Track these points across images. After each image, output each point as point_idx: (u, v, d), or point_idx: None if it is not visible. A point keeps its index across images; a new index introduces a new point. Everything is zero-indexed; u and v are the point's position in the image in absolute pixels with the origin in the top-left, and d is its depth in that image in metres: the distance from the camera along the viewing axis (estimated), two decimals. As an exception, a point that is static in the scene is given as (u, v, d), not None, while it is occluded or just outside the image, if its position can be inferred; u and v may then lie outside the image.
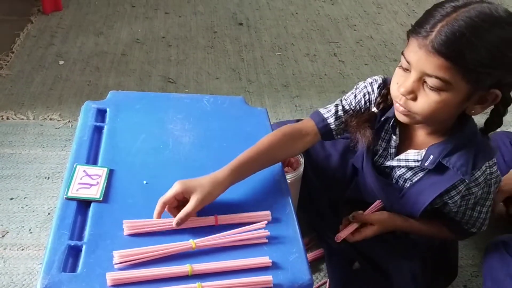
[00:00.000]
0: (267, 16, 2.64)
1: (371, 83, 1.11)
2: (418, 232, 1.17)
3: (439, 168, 1.03)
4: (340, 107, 1.13)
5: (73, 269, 0.83)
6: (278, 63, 2.25)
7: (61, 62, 2.11)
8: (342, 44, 2.43)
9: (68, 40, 2.27)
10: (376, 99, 1.09)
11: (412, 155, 1.06)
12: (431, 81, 0.89)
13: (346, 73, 2.21)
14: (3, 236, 1.35)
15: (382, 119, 1.08)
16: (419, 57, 0.89)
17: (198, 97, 1.28)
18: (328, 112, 1.14)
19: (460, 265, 1.38)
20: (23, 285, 1.24)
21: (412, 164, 1.06)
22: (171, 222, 0.90)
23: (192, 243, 0.87)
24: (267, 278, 0.84)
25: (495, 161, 1.06)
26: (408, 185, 1.10)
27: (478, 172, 1.02)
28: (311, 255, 1.34)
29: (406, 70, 0.93)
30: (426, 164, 1.03)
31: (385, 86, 1.09)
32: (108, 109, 1.18)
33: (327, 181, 1.33)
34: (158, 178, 1.02)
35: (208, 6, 2.68)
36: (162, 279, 0.82)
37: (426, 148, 1.04)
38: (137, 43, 2.30)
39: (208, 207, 0.95)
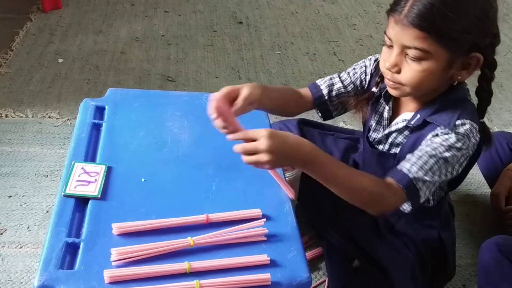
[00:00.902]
0: (267, 15, 2.64)
1: (370, 58, 1.20)
2: (343, 174, 0.99)
3: (424, 126, 1.06)
4: (336, 79, 1.21)
5: (71, 266, 0.83)
6: (277, 62, 2.24)
7: (60, 60, 2.11)
8: (342, 43, 2.43)
9: (67, 38, 2.27)
10: (372, 74, 1.17)
11: (401, 117, 1.11)
12: (411, 52, 0.97)
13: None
14: (1, 234, 1.34)
15: (375, 94, 1.14)
16: (396, 32, 0.97)
17: (197, 94, 1.28)
18: (324, 83, 1.22)
19: (459, 264, 1.38)
20: (21, 283, 1.23)
21: (401, 125, 1.10)
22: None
23: (190, 240, 0.87)
24: (266, 276, 0.83)
25: (478, 128, 1.04)
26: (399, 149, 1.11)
27: (460, 124, 1.01)
28: (310, 254, 1.34)
29: (390, 46, 1.01)
30: (412, 123, 1.07)
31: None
32: (106, 107, 1.18)
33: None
34: (157, 175, 1.01)
35: (207, 5, 2.68)
36: (160, 277, 0.82)
37: (415, 112, 1.08)
38: (136, 42, 2.30)
39: (206, 203, 0.95)
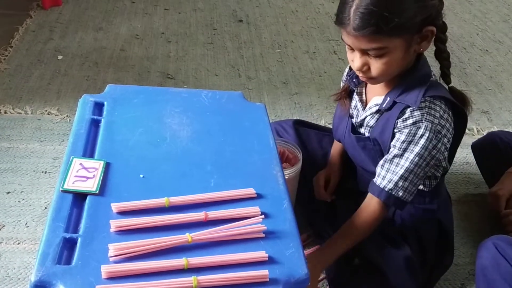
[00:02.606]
0: (267, 13, 2.64)
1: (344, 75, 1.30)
2: (349, 234, 1.15)
3: (392, 106, 1.13)
4: None
5: (68, 261, 0.82)
6: (277, 60, 2.24)
7: (60, 57, 2.10)
8: (341, 42, 2.40)
9: (67, 35, 2.27)
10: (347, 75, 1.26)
11: (374, 102, 1.18)
12: (371, 53, 1.04)
13: (342, 79, 2.20)
14: (-1, 230, 1.34)
15: (347, 81, 1.23)
16: (352, 41, 1.05)
17: (196, 91, 1.27)
18: None
19: (458, 263, 1.38)
20: (19, 279, 1.23)
21: (374, 109, 1.16)
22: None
23: (188, 236, 0.87)
24: (263, 272, 0.83)
25: (442, 105, 1.10)
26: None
27: (422, 103, 1.08)
28: (308, 252, 1.34)
29: (351, 49, 1.08)
30: (383, 106, 1.13)
31: None
32: (105, 103, 1.18)
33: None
34: (155, 172, 1.01)
35: (208, 3, 2.68)
36: (158, 273, 0.81)
37: (385, 94, 1.14)
38: (136, 39, 2.29)
39: (202, 201, 0.95)
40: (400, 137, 1.09)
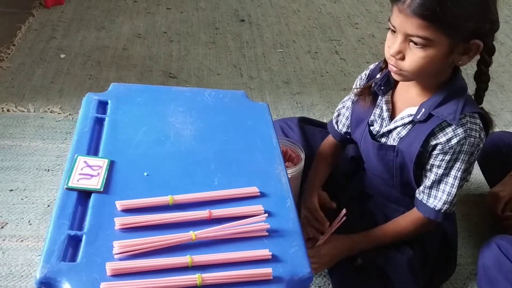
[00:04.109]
0: (269, 13, 2.64)
1: (360, 77, 1.28)
2: (384, 235, 1.19)
3: (428, 119, 1.10)
4: (343, 110, 1.31)
5: (73, 258, 0.83)
6: (279, 60, 2.25)
7: (62, 56, 2.11)
8: (343, 42, 2.43)
9: (69, 34, 2.27)
10: (368, 75, 1.24)
11: (406, 112, 1.14)
12: (415, 40, 1.00)
13: (348, 71, 2.21)
14: (2, 227, 1.35)
15: (375, 87, 1.18)
16: (400, 21, 1.00)
17: (200, 90, 1.28)
18: (338, 122, 1.33)
19: (460, 263, 1.38)
20: (22, 276, 1.23)
21: (406, 120, 1.13)
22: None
23: (192, 234, 0.87)
24: (267, 270, 0.83)
25: (479, 121, 1.10)
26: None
27: (463, 119, 1.07)
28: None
29: (394, 32, 1.04)
30: (418, 117, 1.10)
31: (379, 65, 1.23)
32: (109, 101, 1.18)
33: (329, 177, 1.34)
34: (159, 170, 1.02)
35: (210, 2, 2.68)
36: (162, 270, 0.82)
37: (419, 105, 1.11)
38: (138, 38, 2.30)
39: (205, 200, 0.95)
40: (445, 157, 1.09)
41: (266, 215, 0.93)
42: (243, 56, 2.25)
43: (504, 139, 1.53)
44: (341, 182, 1.35)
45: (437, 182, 1.12)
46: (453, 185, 1.11)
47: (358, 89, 1.23)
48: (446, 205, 1.13)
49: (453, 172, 1.10)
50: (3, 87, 1.88)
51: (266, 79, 2.10)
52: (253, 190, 0.99)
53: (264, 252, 0.87)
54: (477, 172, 1.65)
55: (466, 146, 1.07)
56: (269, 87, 2.05)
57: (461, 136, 1.06)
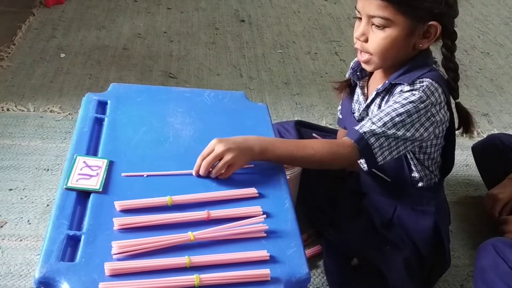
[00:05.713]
0: (269, 13, 2.65)
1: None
2: (308, 148, 1.08)
3: (391, 89, 1.16)
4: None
5: (72, 258, 0.83)
6: (279, 61, 2.25)
7: (62, 55, 2.11)
8: (343, 43, 2.44)
9: (69, 33, 2.27)
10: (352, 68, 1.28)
11: (375, 90, 1.19)
12: (375, 21, 1.09)
13: (347, 72, 2.21)
14: (1, 227, 1.35)
15: (352, 75, 1.26)
16: (362, 4, 1.10)
17: (199, 91, 1.28)
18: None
19: (457, 265, 1.38)
20: (21, 275, 1.24)
21: (374, 95, 1.19)
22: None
23: (190, 235, 0.87)
24: (265, 271, 0.84)
25: (440, 89, 1.11)
26: None
27: (419, 82, 1.11)
28: (309, 252, 1.34)
29: (359, 19, 1.13)
30: (380, 88, 1.16)
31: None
32: (109, 101, 1.19)
33: (326, 176, 1.34)
34: (158, 170, 1.02)
35: (210, 3, 2.68)
36: (160, 270, 0.82)
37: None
38: (138, 38, 2.30)
39: (204, 200, 0.96)
40: (390, 99, 1.13)
41: (265, 216, 0.94)
42: (243, 56, 2.25)
43: (503, 141, 1.53)
44: (338, 183, 1.36)
45: (373, 116, 1.10)
46: (384, 122, 1.06)
47: (337, 83, 1.31)
48: (369, 134, 1.06)
49: (389, 110, 1.08)
50: (3, 86, 1.88)
51: (265, 80, 2.10)
52: (252, 191, 0.99)
53: (262, 253, 0.87)
54: (476, 174, 1.65)
55: (415, 97, 1.08)
56: (269, 88, 2.05)
57: (414, 87, 1.10)
